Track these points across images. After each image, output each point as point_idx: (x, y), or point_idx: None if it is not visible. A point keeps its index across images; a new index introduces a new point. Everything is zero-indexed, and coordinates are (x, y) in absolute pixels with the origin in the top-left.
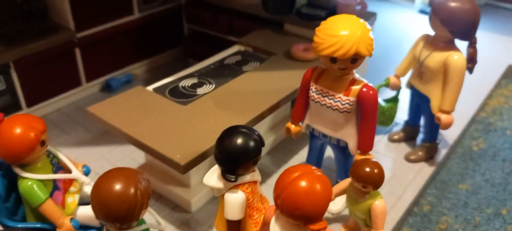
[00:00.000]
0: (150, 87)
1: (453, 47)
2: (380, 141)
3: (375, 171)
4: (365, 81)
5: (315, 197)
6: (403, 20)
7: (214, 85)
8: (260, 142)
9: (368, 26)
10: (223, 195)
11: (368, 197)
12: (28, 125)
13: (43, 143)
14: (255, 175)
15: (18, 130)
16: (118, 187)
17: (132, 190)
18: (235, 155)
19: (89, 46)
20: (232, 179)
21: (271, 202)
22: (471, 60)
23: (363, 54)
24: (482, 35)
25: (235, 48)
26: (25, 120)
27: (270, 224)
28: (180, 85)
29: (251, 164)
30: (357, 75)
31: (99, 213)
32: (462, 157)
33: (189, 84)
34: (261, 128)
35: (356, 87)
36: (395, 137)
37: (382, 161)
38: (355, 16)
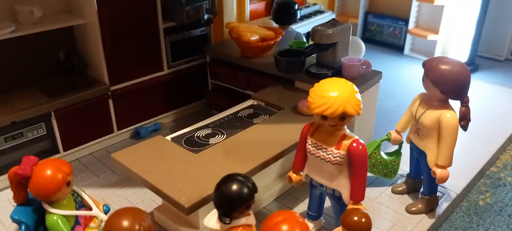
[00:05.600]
0: (168, 137)
1: (446, 106)
2: (384, 193)
3: (363, 220)
4: (356, 137)
5: None
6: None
7: (225, 136)
8: (252, 189)
9: (356, 89)
10: None
11: None
12: (56, 168)
13: (68, 183)
14: (250, 219)
15: (48, 172)
16: (125, 223)
17: (137, 226)
18: (230, 200)
19: (121, 98)
20: (227, 221)
21: None
22: (464, 118)
23: (350, 113)
24: (500, 90)
25: (249, 102)
26: (55, 164)
27: None
28: (195, 135)
29: (245, 208)
30: (348, 131)
31: None
32: (466, 211)
33: (203, 135)
34: (269, 176)
35: (346, 142)
36: (398, 189)
37: (383, 212)
38: (344, 79)
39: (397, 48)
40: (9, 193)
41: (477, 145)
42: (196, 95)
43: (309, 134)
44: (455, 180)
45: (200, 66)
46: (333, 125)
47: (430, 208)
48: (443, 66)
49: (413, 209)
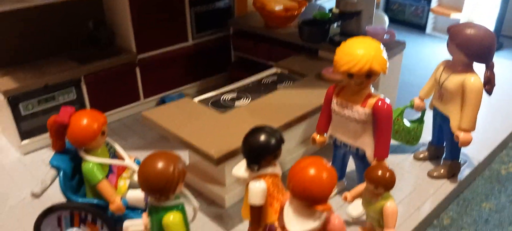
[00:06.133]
0: (196, 99)
1: (470, 70)
2: (406, 159)
3: (386, 174)
4: (381, 95)
5: (320, 182)
6: (443, 52)
7: (250, 99)
8: (280, 139)
9: (382, 47)
10: (248, 184)
11: (380, 199)
12: (92, 117)
13: (103, 133)
14: (276, 169)
15: (84, 121)
16: (160, 164)
17: (171, 168)
18: (258, 148)
19: (147, 66)
20: (255, 169)
21: None
22: (489, 82)
23: (376, 70)
24: None
25: (272, 70)
26: (90, 113)
27: (284, 207)
28: (221, 98)
29: (272, 158)
30: (373, 90)
31: (144, 184)
32: (488, 179)
33: (229, 98)
34: (293, 141)
35: (372, 100)
36: (420, 155)
37: (405, 177)
38: (370, 38)
39: (419, 27)
40: (42, 154)
41: (497, 119)
42: (219, 68)
43: (334, 94)
44: (476, 150)
45: (223, 39)
46: (359, 83)
47: (452, 173)
48: (469, 30)
49: (435, 173)
